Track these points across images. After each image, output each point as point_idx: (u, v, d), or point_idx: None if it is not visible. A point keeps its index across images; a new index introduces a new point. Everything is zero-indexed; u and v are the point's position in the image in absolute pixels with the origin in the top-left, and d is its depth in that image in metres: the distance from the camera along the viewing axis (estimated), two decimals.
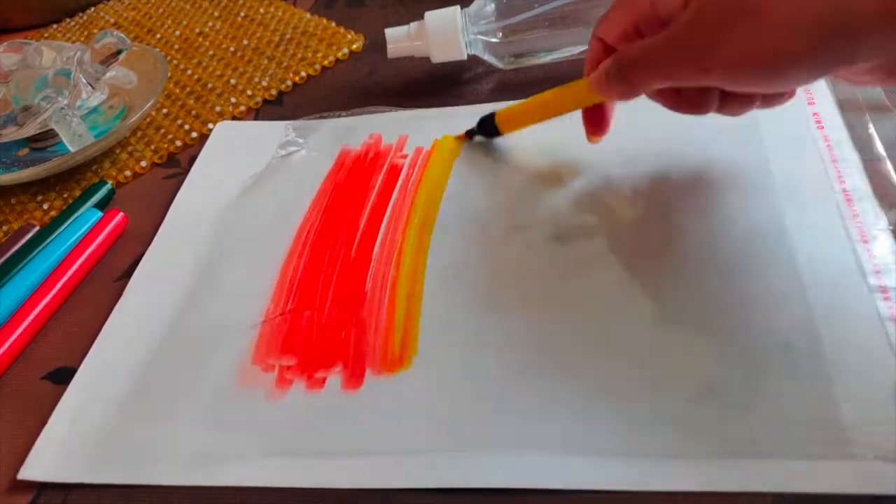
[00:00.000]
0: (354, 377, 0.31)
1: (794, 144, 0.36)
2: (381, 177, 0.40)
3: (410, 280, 0.34)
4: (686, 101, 0.31)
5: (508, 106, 0.39)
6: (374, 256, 0.36)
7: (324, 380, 0.31)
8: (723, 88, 0.29)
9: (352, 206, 0.39)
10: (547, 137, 0.39)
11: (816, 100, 0.38)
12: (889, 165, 0.34)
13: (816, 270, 0.30)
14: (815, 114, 0.37)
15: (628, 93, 0.31)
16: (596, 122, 0.36)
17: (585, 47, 0.45)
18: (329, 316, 0.33)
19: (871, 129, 0.36)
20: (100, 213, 0.41)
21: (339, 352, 0.32)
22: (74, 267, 0.38)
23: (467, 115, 0.43)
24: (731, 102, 0.31)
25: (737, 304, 0.30)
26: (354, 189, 0.40)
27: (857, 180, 0.33)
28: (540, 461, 0.26)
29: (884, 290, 0.29)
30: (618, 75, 0.31)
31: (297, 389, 0.31)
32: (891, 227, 0.31)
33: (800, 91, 0.39)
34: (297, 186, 0.41)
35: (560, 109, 0.36)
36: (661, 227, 0.34)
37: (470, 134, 0.41)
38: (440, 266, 0.34)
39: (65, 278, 0.37)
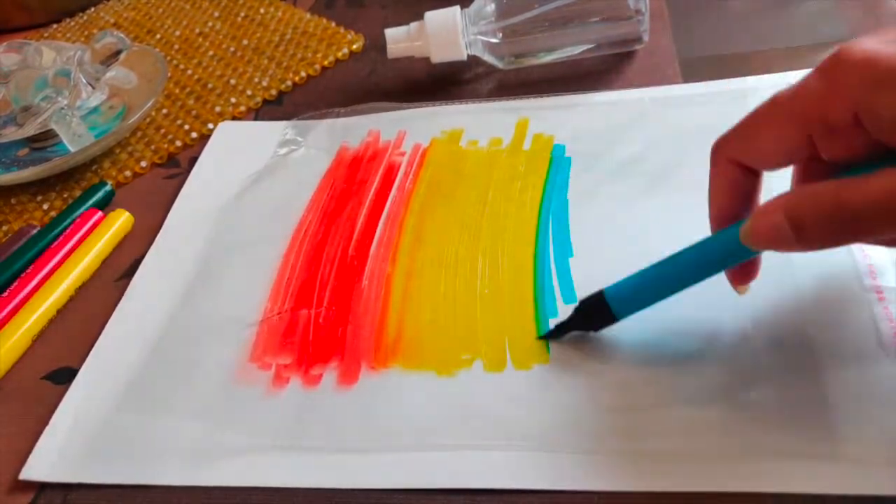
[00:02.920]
0: (349, 373, 0.31)
1: None
2: (378, 175, 0.41)
3: (405, 276, 0.34)
4: None
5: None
6: (371, 254, 0.36)
7: (320, 376, 0.31)
8: None
9: (349, 203, 0.39)
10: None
11: None
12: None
13: (812, 270, 0.30)
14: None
15: (842, 243, 0.23)
16: (747, 267, 0.28)
17: (585, 47, 0.45)
18: (326, 314, 0.34)
19: None
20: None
21: (336, 348, 0.32)
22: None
23: (465, 113, 0.44)
24: None
25: (732, 305, 0.30)
26: (352, 187, 0.40)
27: None
28: (537, 461, 0.26)
29: (878, 290, 0.29)
30: (835, 225, 0.22)
31: (293, 386, 0.31)
32: None
33: None
34: (295, 184, 0.41)
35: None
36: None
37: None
38: None
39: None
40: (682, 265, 0.27)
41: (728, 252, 0.26)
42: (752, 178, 0.26)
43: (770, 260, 0.31)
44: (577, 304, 0.30)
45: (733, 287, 0.28)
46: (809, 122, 0.23)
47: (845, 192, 0.22)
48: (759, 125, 0.25)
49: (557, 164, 0.39)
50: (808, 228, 0.23)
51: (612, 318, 0.29)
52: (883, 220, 0.22)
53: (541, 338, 0.30)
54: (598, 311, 0.29)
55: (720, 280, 0.28)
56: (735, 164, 0.26)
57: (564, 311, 0.31)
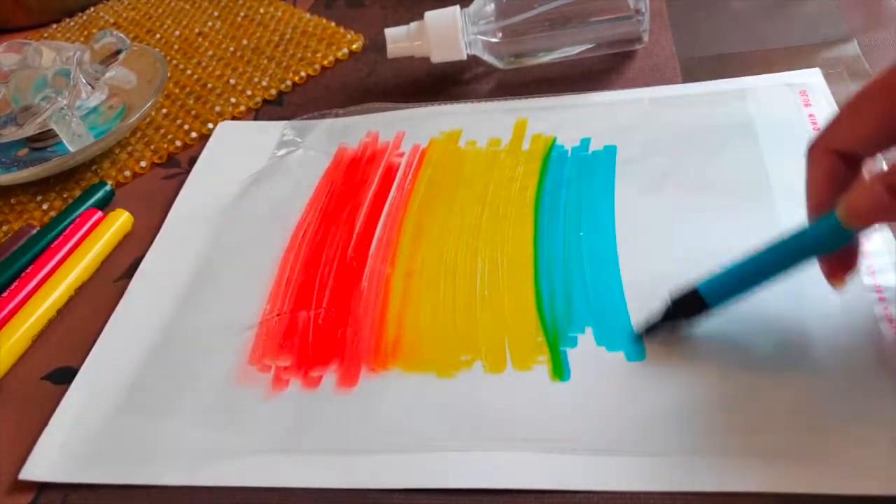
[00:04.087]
0: (349, 375, 0.31)
1: (791, 146, 0.36)
2: (377, 176, 0.41)
3: (405, 277, 0.34)
4: None
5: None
6: (370, 255, 0.36)
7: (320, 378, 0.31)
8: None
9: (348, 204, 0.39)
10: None
11: (812, 101, 0.38)
12: (885, 166, 0.34)
13: (812, 270, 0.30)
14: (810, 115, 0.37)
15: None
16: (845, 260, 0.27)
17: (585, 47, 0.45)
18: (326, 316, 0.34)
19: None
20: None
21: (335, 350, 0.32)
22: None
23: (463, 113, 0.44)
24: None
25: (731, 306, 0.30)
26: (351, 187, 0.40)
27: None
28: (537, 462, 0.26)
29: (878, 290, 0.29)
30: None
31: (293, 388, 0.31)
32: (886, 227, 0.31)
33: (795, 93, 0.39)
34: (293, 186, 0.41)
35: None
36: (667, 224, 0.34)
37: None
38: None
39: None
40: (778, 252, 0.27)
41: (825, 236, 0.26)
42: (851, 168, 0.26)
43: None
44: (669, 300, 0.29)
45: (829, 282, 0.27)
46: None
47: None
48: (858, 106, 0.25)
49: (558, 163, 0.39)
50: None
51: (705, 309, 0.29)
52: None
53: (636, 337, 0.30)
54: (691, 306, 0.29)
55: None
56: (835, 153, 0.26)
57: (566, 312, 0.31)
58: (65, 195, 0.45)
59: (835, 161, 0.26)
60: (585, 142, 0.40)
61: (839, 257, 0.27)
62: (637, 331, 0.30)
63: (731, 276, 0.28)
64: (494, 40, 0.45)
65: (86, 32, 0.63)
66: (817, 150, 0.27)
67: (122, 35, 0.47)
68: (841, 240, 0.26)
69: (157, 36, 0.59)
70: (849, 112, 0.26)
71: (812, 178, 0.27)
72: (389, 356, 0.31)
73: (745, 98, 0.40)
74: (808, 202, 0.27)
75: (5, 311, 0.36)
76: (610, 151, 0.39)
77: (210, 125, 0.48)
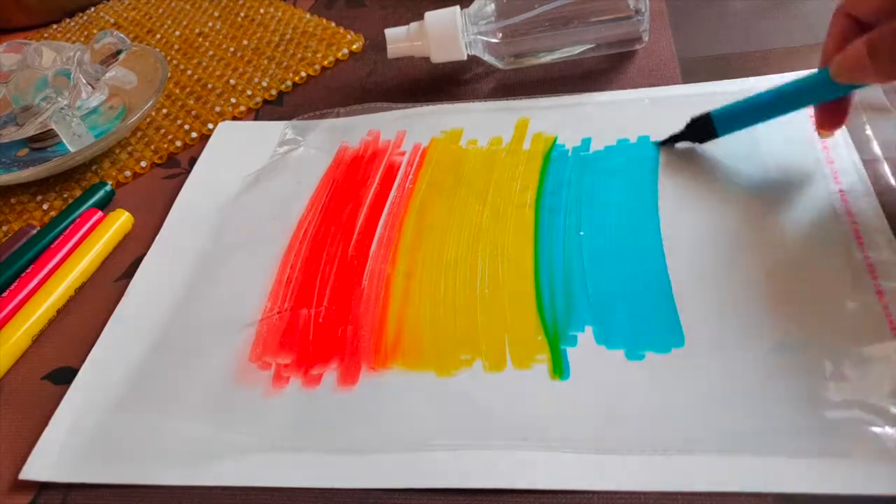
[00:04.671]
0: (349, 374, 0.31)
1: (792, 145, 0.36)
2: (378, 174, 0.41)
3: (405, 276, 0.34)
4: None
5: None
6: (370, 254, 0.36)
7: (320, 376, 0.31)
8: None
9: (349, 203, 0.39)
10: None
11: None
12: (886, 166, 0.34)
13: (813, 270, 0.30)
14: (811, 115, 0.37)
15: None
16: (833, 114, 0.33)
17: (585, 47, 0.45)
18: (326, 314, 0.34)
19: (868, 131, 0.36)
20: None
21: (336, 349, 0.32)
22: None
23: (463, 112, 0.44)
24: None
25: (733, 305, 0.30)
26: (352, 186, 0.40)
27: (854, 181, 0.34)
28: (537, 461, 0.26)
29: (878, 290, 0.29)
30: None
31: (293, 386, 0.31)
32: (887, 228, 0.31)
33: None
34: (294, 184, 0.41)
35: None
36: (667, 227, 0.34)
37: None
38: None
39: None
40: (780, 93, 0.33)
41: (819, 85, 0.31)
42: (860, 31, 0.29)
43: (771, 260, 0.31)
44: (688, 120, 0.36)
45: (818, 131, 0.34)
46: None
47: None
48: None
49: (559, 162, 0.39)
50: (882, 55, 0.27)
51: (714, 134, 0.36)
52: None
53: (656, 143, 0.38)
54: (704, 127, 0.36)
55: (725, 282, 0.28)
56: (850, 17, 0.30)
57: (566, 311, 0.31)
58: (65, 195, 0.45)
59: (849, 24, 0.30)
60: (586, 141, 0.40)
61: (830, 110, 0.33)
62: (655, 141, 0.38)
63: (739, 108, 0.35)
64: (494, 40, 0.45)
65: (86, 32, 0.63)
66: (837, 13, 0.31)
67: (122, 35, 0.47)
68: (832, 91, 0.31)
69: (158, 36, 0.59)
70: None
71: (828, 36, 0.31)
72: (389, 355, 0.31)
73: None
74: (821, 57, 0.31)
75: (5, 311, 0.36)
76: (645, 143, 0.39)
77: (210, 125, 0.48)
